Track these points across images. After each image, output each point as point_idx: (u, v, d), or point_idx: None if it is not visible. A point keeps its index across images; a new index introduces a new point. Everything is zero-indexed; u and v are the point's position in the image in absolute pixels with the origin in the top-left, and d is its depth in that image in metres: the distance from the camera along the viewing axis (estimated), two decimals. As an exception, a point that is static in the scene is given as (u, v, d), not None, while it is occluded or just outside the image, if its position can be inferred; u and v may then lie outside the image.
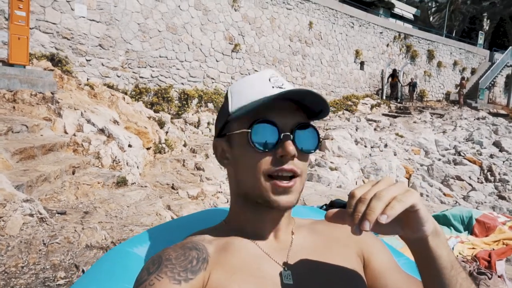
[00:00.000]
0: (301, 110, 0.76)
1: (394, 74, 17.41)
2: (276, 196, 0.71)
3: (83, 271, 2.05)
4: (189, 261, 0.68)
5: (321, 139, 0.79)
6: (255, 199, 0.74)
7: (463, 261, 2.14)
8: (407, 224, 0.61)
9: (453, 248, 2.62)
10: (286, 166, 0.71)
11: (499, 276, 2.03)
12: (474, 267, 2.07)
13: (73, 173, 4.57)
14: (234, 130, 0.76)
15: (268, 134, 0.71)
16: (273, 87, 0.75)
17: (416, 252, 0.65)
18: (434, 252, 0.62)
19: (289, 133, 0.71)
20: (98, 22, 8.74)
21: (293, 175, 0.72)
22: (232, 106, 0.76)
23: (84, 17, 8.48)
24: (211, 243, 0.75)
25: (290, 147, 0.70)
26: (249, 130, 0.72)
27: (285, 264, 0.74)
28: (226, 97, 0.81)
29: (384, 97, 17.55)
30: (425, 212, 0.60)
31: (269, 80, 0.77)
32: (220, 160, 0.82)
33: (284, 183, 0.71)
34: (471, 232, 2.98)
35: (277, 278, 0.71)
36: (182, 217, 1.13)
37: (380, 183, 0.60)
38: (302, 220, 0.87)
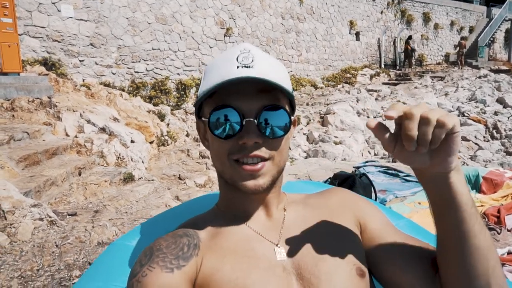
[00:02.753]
0: (270, 90, 0.70)
1: (407, 41, 17.27)
2: (243, 181, 0.70)
3: (91, 264, 2.10)
4: (180, 249, 0.68)
5: (293, 120, 0.73)
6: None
7: (471, 219, 2.15)
8: (437, 152, 0.57)
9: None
10: (251, 154, 0.69)
11: (508, 230, 2.03)
12: (483, 224, 2.09)
13: (79, 174, 4.61)
14: (203, 115, 0.74)
15: (230, 119, 0.68)
16: (238, 67, 0.69)
17: (434, 190, 0.61)
18: (456, 188, 0.59)
19: (252, 119, 0.68)
20: (86, 21, 8.65)
21: (259, 160, 0.70)
22: (201, 88, 0.73)
23: (71, 17, 8.39)
24: (202, 229, 0.75)
25: (250, 137, 0.67)
26: (207, 119, 0.70)
27: (278, 241, 0.74)
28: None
29: (382, 66, 17.33)
30: (460, 139, 0.57)
31: (237, 59, 0.71)
32: (202, 142, 0.81)
33: (249, 167, 0.69)
34: (479, 190, 2.98)
35: (271, 255, 0.71)
36: (179, 206, 1.13)
37: (422, 106, 0.56)
38: (295, 196, 0.87)
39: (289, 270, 0.70)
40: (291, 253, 0.72)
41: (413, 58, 17.92)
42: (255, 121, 0.68)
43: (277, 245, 0.73)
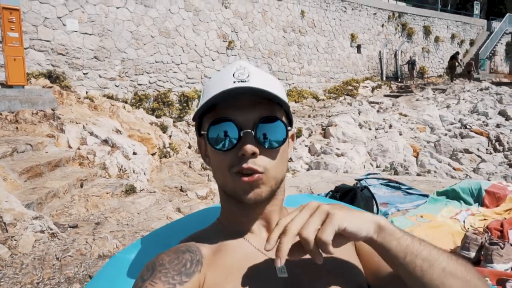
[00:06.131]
0: (266, 103, 0.72)
1: (454, 56, 17.68)
2: (244, 192, 0.71)
3: (91, 278, 2.08)
4: (182, 264, 0.68)
5: (290, 134, 0.76)
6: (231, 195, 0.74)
7: (474, 233, 2.12)
8: (347, 236, 0.63)
9: (464, 222, 2.60)
10: (244, 165, 0.69)
11: (511, 245, 2.01)
12: (485, 238, 2.06)
13: (81, 186, 4.61)
14: (202, 129, 0.76)
15: (228, 132, 0.70)
16: (234, 81, 0.71)
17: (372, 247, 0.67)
18: (383, 247, 0.64)
19: (250, 130, 0.69)
20: (91, 34, 8.78)
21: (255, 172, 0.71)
22: (199, 105, 0.75)
23: (76, 31, 8.52)
24: (204, 245, 0.75)
25: (248, 147, 0.68)
26: (205, 132, 0.72)
27: None
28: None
29: (384, 78, 17.42)
30: (354, 224, 0.62)
31: (233, 75, 0.73)
32: (203, 158, 0.81)
33: (247, 178, 0.70)
34: (482, 204, 2.95)
35: (272, 273, 0.70)
36: (181, 219, 1.13)
37: (302, 215, 0.63)
38: None
39: None
40: (292, 270, 0.72)
41: (414, 71, 18.03)
42: (252, 132, 0.69)
43: None
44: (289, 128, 0.74)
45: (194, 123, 0.81)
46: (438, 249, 0.65)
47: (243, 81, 0.71)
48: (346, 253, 0.77)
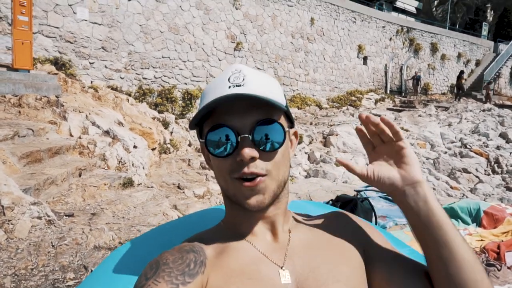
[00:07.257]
0: (263, 106, 0.71)
1: (460, 76, 17.79)
2: (246, 198, 0.71)
3: (91, 271, 2.07)
4: (186, 265, 0.68)
5: (293, 132, 0.77)
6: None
7: (471, 253, 2.13)
8: (399, 164, 0.72)
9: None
10: (245, 170, 0.69)
11: (508, 268, 2.01)
12: (483, 258, 2.06)
13: (80, 175, 4.60)
14: (202, 136, 0.76)
15: (226, 138, 0.70)
16: (229, 86, 0.71)
17: (411, 206, 0.69)
18: (428, 198, 0.68)
19: (247, 135, 0.69)
20: (100, 24, 8.78)
21: (257, 176, 0.70)
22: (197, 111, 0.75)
23: (86, 20, 8.52)
24: (208, 246, 0.75)
25: (246, 152, 0.68)
26: (203, 140, 0.72)
27: (283, 263, 0.73)
28: None
29: (388, 92, 17.46)
30: (414, 155, 0.71)
31: (229, 79, 0.73)
32: (207, 163, 0.81)
33: (248, 184, 0.69)
34: (479, 224, 2.96)
35: (276, 278, 0.71)
36: (185, 217, 1.13)
37: None
38: (300, 217, 0.87)
39: None
40: (295, 277, 0.71)
41: (419, 87, 18.09)
42: (250, 136, 0.69)
43: (281, 268, 0.72)
44: (287, 129, 0.74)
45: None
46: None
47: (238, 85, 0.71)
48: (352, 260, 0.77)
